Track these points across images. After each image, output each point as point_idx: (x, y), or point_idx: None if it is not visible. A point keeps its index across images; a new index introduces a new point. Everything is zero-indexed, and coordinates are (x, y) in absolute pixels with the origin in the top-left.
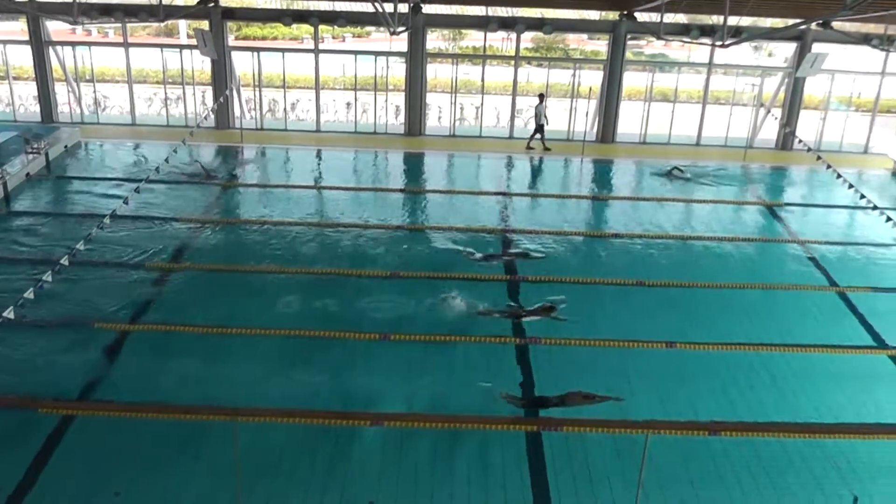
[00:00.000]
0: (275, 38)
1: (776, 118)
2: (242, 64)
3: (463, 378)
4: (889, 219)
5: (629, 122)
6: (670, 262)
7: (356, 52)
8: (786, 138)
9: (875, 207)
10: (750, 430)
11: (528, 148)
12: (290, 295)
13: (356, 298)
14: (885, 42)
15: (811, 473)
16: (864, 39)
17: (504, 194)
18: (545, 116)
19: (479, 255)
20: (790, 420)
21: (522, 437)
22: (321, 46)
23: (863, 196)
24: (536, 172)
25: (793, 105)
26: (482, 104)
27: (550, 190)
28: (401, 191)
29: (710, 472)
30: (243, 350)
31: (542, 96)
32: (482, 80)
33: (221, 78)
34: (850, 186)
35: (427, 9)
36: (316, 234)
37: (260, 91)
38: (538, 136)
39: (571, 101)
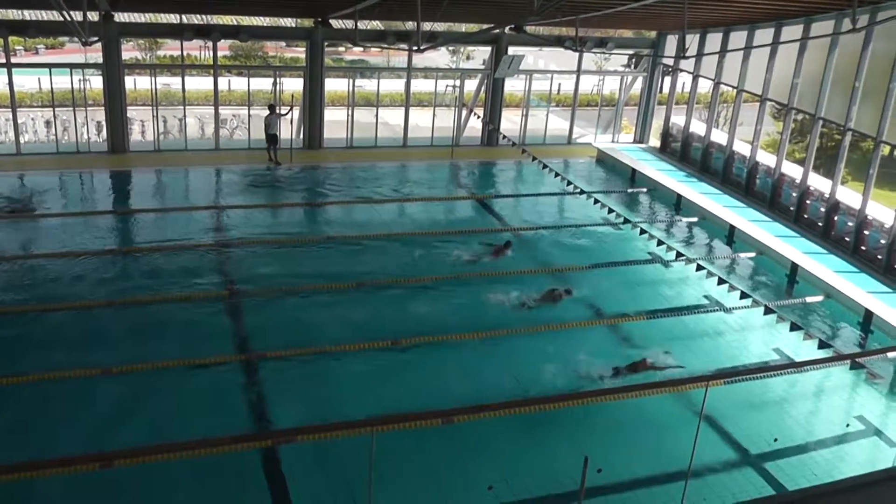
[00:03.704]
0: None
1: (479, 117)
2: None
3: None
4: (596, 201)
5: (336, 127)
6: (388, 258)
7: (50, 66)
8: (490, 135)
9: (582, 192)
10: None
11: (276, 163)
12: None
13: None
14: (577, 43)
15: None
16: (558, 41)
17: (216, 208)
18: (279, 127)
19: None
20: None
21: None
22: (13, 60)
23: (569, 182)
24: (252, 183)
25: (494, 104)
26: (184, 116)
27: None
28: (109, 213)
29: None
30: None
31: (272, 107)
32: (182, 90)
33: None
34: (556, 175)
35: (119, 17)
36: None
37: None
38: (273, 147)
39: (278, 109)
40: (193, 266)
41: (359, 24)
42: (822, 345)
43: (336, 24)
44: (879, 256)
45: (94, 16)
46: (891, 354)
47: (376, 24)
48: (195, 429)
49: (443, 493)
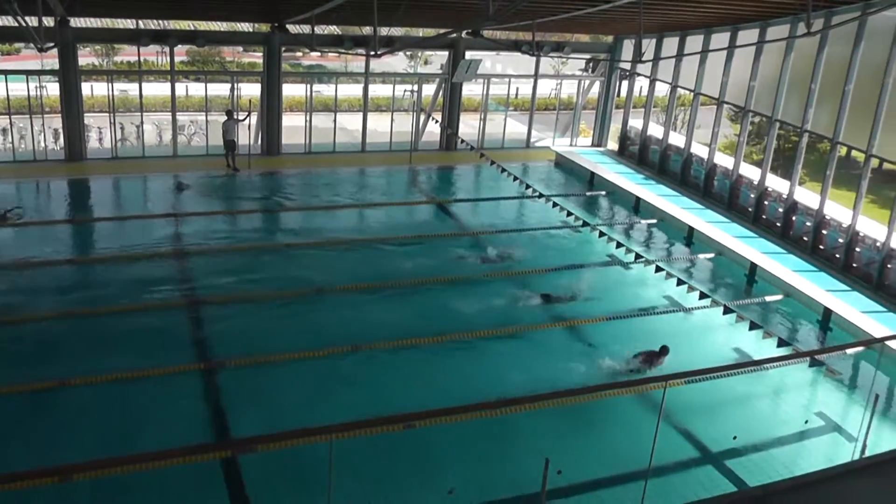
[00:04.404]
0: None
1: (437, 121)
2: None
3: None
4: (555, 204)
5: (294, 133)
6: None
7: (6, 72)
8: (449, 139)
9: (541, 195)
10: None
11: (234, 169)
12: None
13: None
14: (534, 48)
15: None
16: (515, 46)
17: (175, 215)
18: (237, 133)
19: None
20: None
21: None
22: None
23: (528, 186)
24: (211, 190)
25: (452, 108)
26: (142, 122)
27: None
28: (67, 222)
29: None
30: None
31: (229, 112)
32: (140, 96)
33: None
34: (515, 179)
35: (76, 23)
36: None
37: None
38: (231, 154)
39: (236, 115)
40: (151, 275)
41: (316, 29)
42: (782, 343)
43: (293, 29)
44: (837, 255)
45: (49, 21)
46: (849, 351)
47: (333, 30)
48: (154, 440)
49: (403, 497)
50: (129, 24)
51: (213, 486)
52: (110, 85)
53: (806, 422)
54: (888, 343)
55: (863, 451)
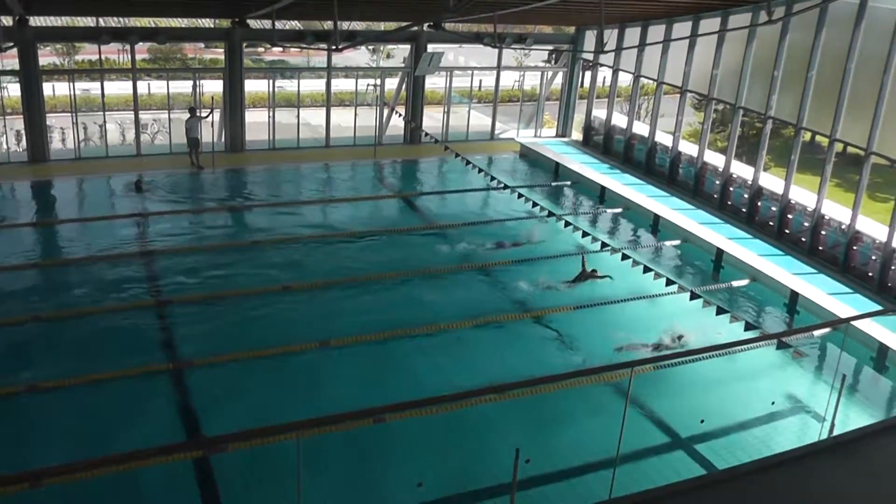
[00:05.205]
0: None
1: (401, 115)
2: None
3: None
4: (521, 195)
5: (257, 129)
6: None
7: None
8: (413, 133)
9: (506, 187)
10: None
11: (199, 167)
12: None
13: None
14: (496, 39)
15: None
16: (477, 38)
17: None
18: (200, 130)
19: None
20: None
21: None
22: None
23: (493, 178)
24: (175, 189)
25: (416, 102)
26: (104, 122)
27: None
28: (30, 225)
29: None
30: None
31: (192, 109)
32: (102, 95)
33: None
34: (480, 171)
35: (35, 21)
36: None
37: None
38: (195, 151)
39: (199, 112)
40: (115, 276)
41: (277, 24)
42: (749, 327)
43: (254, 24)
44: (803, 239)
45: (8, 20)
46: (816, 332)
47: (295, 24)
48: (124, 442)
49: (374, 490)
50: (89, 22)
51: (184, 487)
52: (72, 84)
53: (773, 403)
54: (853, 323)
55: (831, 431)
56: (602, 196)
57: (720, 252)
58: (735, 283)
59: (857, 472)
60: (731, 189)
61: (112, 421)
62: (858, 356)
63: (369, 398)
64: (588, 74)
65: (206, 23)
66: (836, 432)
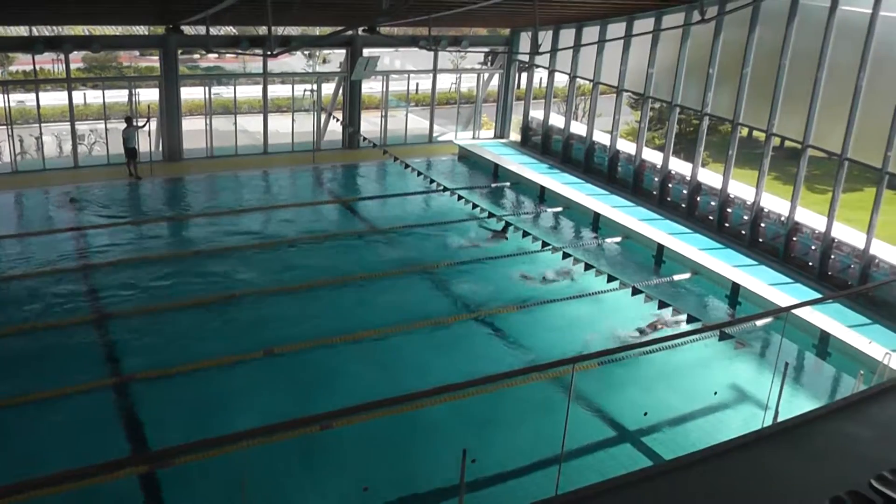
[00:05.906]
0: None
1: (338, 120)
2: None
3: None
4: (460, 198)
5: (195, 137)
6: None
7: None
8: (351, 137)
9: (446, 189)
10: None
11: (137, 177)
12: None
13: None
14: (431, 42)
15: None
16: (412, 41)
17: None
18: (137, 140)
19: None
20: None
21: None
22: None
23: (432, 181)
24: (112, 201)
25: (353, 106)
26: (41, 134)
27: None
28: None
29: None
30: None
31: (129, 119)
32: (37, 106)
33: None
34: (419, 174)
35: None
36: None
37: None
38: (132, 162)
39: (135, 122)
40: (56, 291)
41: (211, 29)
42: (691, 319)
43: (189, 30)
44: (743, 231)
45: None
46: (758, 322)
47: (230, 30)
48: (68, 460)
49: (321, 496)
50: (22, 31)
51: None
52: (6, 96)
53: (715, 393)
54: (795, 312)
55: (775, 418)
56: (542, 196)
57: (661, 247)
58: (677, 277)
59: (802, 456)
60: (671, 185)
61: (54, 440)
62: (801, 344)
63: (315, 405)
64: (524, 76)
65: (141, 30)
66: (780, 419)
